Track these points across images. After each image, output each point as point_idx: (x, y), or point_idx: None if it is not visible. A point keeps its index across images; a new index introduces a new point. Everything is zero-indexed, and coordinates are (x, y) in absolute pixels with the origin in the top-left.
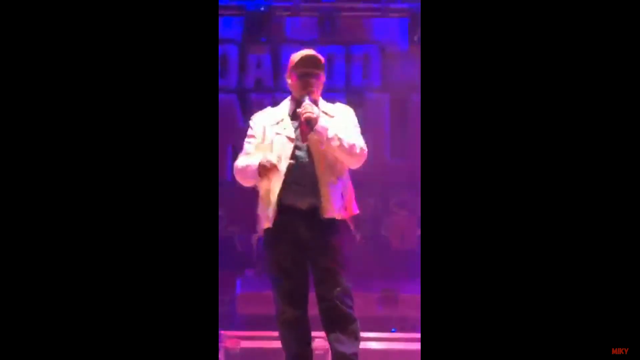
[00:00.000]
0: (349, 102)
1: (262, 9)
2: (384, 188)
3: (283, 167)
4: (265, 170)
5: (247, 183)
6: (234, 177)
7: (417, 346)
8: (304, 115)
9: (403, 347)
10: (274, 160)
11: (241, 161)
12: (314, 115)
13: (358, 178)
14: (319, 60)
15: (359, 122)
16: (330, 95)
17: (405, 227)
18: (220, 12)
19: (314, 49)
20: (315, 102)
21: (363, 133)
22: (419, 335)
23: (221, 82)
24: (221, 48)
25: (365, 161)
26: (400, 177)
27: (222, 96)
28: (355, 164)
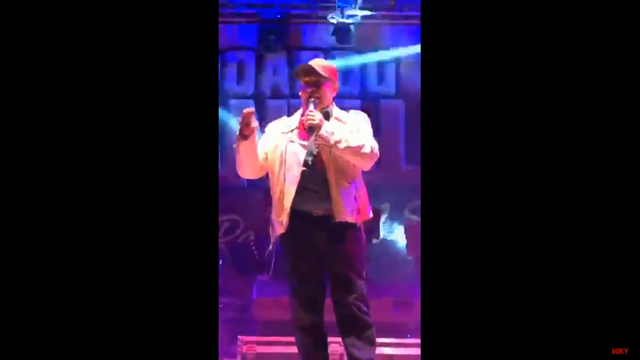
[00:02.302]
0: (364, 109)
1: (279, 16)
2: (399, 194)
3: (296, 173)
4: (243, 124)
5: (242, 166)
6: (250, 184)
7: None
8: (306, 122)
9: (418, 353)
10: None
11: None
12: (315, 122)
13: (373, 184)
14: (313, 70)
15: (375, 128)
16: (346, 102)
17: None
18: (237, 19)
19: (329, 57)
20: (326, 110)
21: (378, 140)
22: None
23: (238, 88)
24: (238, 55)
25: (380, 167)
26: (415, 183)
27: (239, 102)
28: (367, 165)
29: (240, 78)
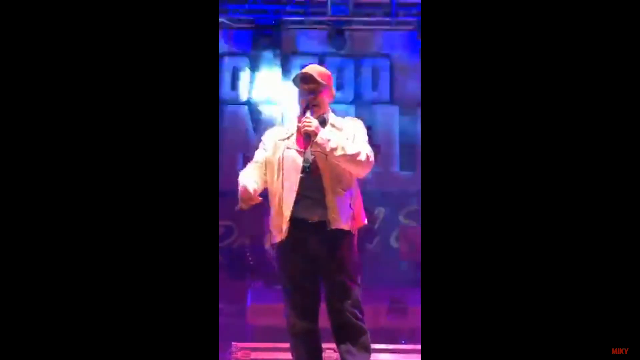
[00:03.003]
0: (358, 115)
1: (273, 22)
2: (394, 200)
3: (294, 180)
4: (243, 199)
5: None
6: None
7: None
8: (303, 129)
9: (413, 359)
10: (256, 187)
11: (242, 175)
12: (311, 129)
13: (368, 190)
14: (312, 78)
15: (369, 134)
16: (340, 107)
17: (415, 239)
18: (231, 25)
19: (324, 62)
20: (323, 116)
21: (372, 145)
22: None
23: (232, 94)
24: (232, 60)
25: (375, 172)
26: (410, 188)
27: (233, 108)
28: (362, 172)
29: (234, 83)
